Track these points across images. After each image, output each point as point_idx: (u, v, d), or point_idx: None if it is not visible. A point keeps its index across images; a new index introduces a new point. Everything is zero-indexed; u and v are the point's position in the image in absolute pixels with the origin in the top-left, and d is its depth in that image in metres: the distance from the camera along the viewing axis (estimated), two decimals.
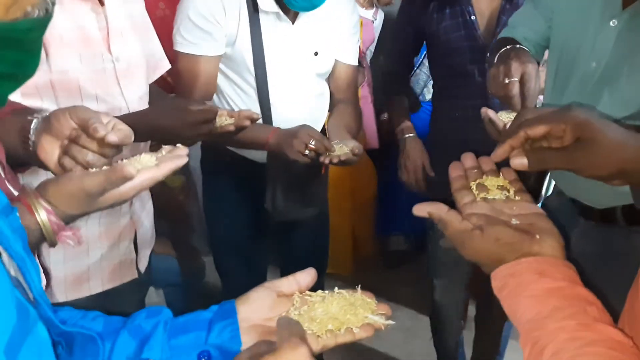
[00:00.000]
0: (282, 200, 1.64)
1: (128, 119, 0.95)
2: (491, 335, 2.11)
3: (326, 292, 0.72)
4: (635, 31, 1.16)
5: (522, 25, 1.43)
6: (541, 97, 1.58)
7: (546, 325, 0.60)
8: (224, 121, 1.27)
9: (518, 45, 1.26)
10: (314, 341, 0.66)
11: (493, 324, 2.08)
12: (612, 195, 1.15)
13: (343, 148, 1.47)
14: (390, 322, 0.70)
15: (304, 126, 1.51)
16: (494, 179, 0.78)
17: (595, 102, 1.22)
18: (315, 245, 1.92)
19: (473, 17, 1.76)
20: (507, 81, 1.12)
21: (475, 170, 0.80)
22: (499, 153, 0.74)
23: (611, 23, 1.19)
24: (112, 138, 0.80)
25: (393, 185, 2.95)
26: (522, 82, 1.11)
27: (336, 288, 0.72)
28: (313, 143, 1.45)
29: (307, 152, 1.46)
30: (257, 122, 1.38)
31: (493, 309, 2.00)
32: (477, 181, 0.78)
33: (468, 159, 0.82)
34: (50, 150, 0.85)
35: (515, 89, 1.11)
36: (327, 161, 1.44)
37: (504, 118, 1.20)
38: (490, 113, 1.21)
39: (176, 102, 1.23)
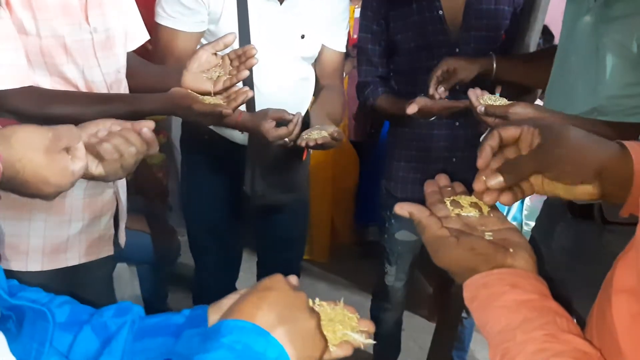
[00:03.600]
0: (261, 183, 1.62)
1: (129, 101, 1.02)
2: (448, 323, 2.16)
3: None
4: (603, 23, 1.20)
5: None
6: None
7: (515, 337, 0.60)
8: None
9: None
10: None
11: (450, 311, 2.15)
12: None
13: (321, 132, 1.46)
14: (371, 341, 0.67)
15: (266, 114, 1.49)
16: (467, 197, 0.79)
17: (572, 94, 1.27)
18: (293, 232, 1.91)
19: (441, 12, 1.74)
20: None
21: (449, 189, 0.81)
22: (482, 158, 0.74)
23: (586, 18, 1.25)
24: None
25: (373, 176, 2.96)
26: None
27: (317, 299, 0.69)
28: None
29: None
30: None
31: (450, 297, 2.09)
32: (452, 198, 0.79)
33: (442, 178, 0.83)
34: None
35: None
36: (303, 144, 1.43)
37: (483, 100, 1.30)
38: (470, 94, 1.33)
39: (179, 98, 1.20)
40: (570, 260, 1.34)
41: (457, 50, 1.74)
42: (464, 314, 2.19)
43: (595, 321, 0.64)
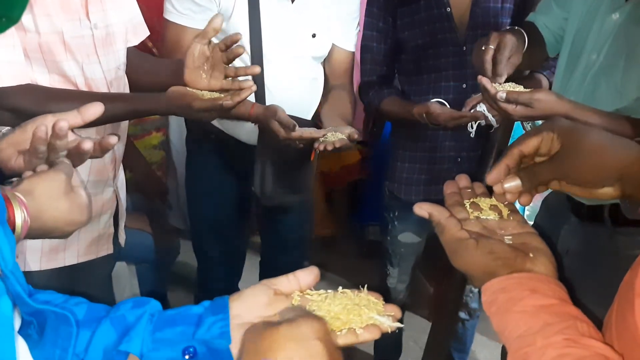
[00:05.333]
0: (270, 184, 1.61)
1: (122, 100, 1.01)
2: (444, 320, 2.15)
3: (329, 291, 0.68)
4: (635, 24, 1.18)
5: (543, 14, 1.48)
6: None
7: (535, 342, 0.60)
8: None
9: (516, 27, 1.37)
10: None
11: (444, 309, 2.16)
12: None
13: (337, 135, 1.45)
14: (398, 324, 0.66)
15: (276, 113, 1.45)
16: (487, 199, 0.78)
17: (592, 93, 1.24)
18: (298, 233, 1.89)
19: (449, 9, 1.72)
20: (483, 48, 1.28)
21: (469, 190, 0.80)
22: (494, 175, 0.73)
23: (613, 16, 1.22)
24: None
25: (373, 175, 2.94)
26: (497, 49, 1.28)
27: (340, 287, 0.68)
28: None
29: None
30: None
31: (446, 295, 2.10)
32: (471, 200, 0.78)
33: (462, 179, 0.82)
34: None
35: (488, 55, 1.27)
36: (321, 148, 1.41)
37: (498, 87, 1.24)
38: (484, 80, 1.24)
39: (177, 97, 1.18)
40: (576, 264, 1.32)
41: (464, 48, 1.73)
42: (465, 316, 2.18)
43: (615, 325, 0.63)
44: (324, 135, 1.44)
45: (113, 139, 0.86)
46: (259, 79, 1.55)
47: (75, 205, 0.78)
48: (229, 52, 1.16)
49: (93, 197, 1.26)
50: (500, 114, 1.31)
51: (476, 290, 2.13)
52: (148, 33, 1.44)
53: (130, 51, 1.35)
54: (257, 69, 1.19)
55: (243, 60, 1.56)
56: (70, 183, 0.80)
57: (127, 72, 1.33)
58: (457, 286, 2.03)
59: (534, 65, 1.67)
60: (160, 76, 1.29)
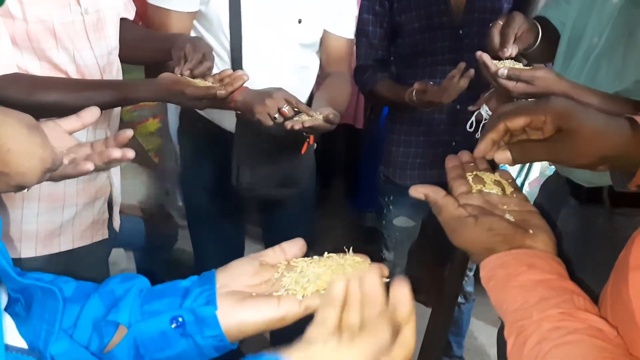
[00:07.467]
0: (248, 175, 1.52)
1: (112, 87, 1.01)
2: (443, 306, 2.15)
3: (315, 257, 0.68)
4: (634, 7, 1.18)
5: (554, 9, 1.47)
6: None
7: (531, 315, 0.60)
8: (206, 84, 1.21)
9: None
10: (295, 302, 0.63)
11: (443, 294, 2.12)
12: (601, 174, 1.19)
13: (312, 115, 1.33)
14: (385, 280, 0.65)
15: (280, 89, 1.36)
16: (491, 174, 0.78)
17: (594, 76, 1.25)
18: (296, 230, 1.79)
19: None
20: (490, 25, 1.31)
21: (472, 164, 0.80)
22: (482, 148, 0.73)
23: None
24: None
25: (372, 162, 2.94)
26: (504, 25, 1.28)
27: (326, 253, 0.68)
28: (286, 108, 1.31)
29: (276, 115, 1.31)
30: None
31: (443, 280, 2.08)
32: (475, 173, 0.78)
33: (465, 154, 0.82)
34: None
35: (496, 28, 1.28)
36: (289, 127, 1.28)
37: (498, 64, 1.24)
38: (484, 57, 1.23)
39: (170, 84, 1.18)
40: (575, 245, 1.32)
41: (461, 32, 1.72)
42: (461, 300, 2.18)
43: (610, 301, 0.63)
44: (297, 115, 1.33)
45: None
46: (237, 66, 1.49)
47: (38, 138, 0.71)
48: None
49: (86, 183, 1.28)
50: (499, 91, 1.31)
51: (471, 274, 2.13)
52: (135, 8, 1.43)
53: (129, 25, 1.35)
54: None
55: (223, 46, 1.50)
56: (35, 122, 0.73)
57: (129, 47, 1.33)
58: (457, 272, 2.04)
59: (548, 59, 1.65)
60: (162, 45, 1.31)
